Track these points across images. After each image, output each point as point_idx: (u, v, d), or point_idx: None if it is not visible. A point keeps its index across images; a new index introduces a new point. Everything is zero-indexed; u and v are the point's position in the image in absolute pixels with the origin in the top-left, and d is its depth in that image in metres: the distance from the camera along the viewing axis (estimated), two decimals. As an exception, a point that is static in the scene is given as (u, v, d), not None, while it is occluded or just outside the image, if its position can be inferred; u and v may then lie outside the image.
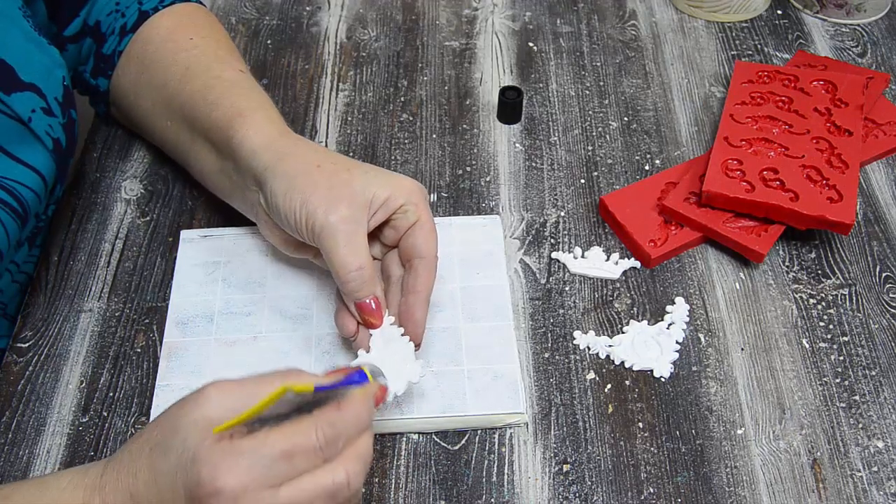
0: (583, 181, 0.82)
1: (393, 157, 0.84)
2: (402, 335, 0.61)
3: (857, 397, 0.67)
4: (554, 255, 0.76)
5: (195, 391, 0.50)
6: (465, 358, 0.67)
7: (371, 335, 0.61)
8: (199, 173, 0.74)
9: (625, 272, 0.74)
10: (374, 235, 0.65)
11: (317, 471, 0.48)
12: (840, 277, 0.74)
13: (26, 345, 0.69)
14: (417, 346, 0.62)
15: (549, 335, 0.70)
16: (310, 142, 0.67)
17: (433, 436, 0.65)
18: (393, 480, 0.62)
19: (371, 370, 0.55)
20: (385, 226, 0.64)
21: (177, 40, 0.75)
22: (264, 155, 0.63)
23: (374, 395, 0.53)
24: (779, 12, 0.99)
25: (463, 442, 0.64)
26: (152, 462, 0.49)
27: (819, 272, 0.75)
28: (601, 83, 0.91)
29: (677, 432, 0.65)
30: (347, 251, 0.60)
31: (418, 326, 0.62)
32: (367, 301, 0.61)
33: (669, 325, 0.71)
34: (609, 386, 0.67)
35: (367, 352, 0.60)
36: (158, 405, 0.64)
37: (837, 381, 0.68)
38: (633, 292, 0.73)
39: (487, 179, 0.82)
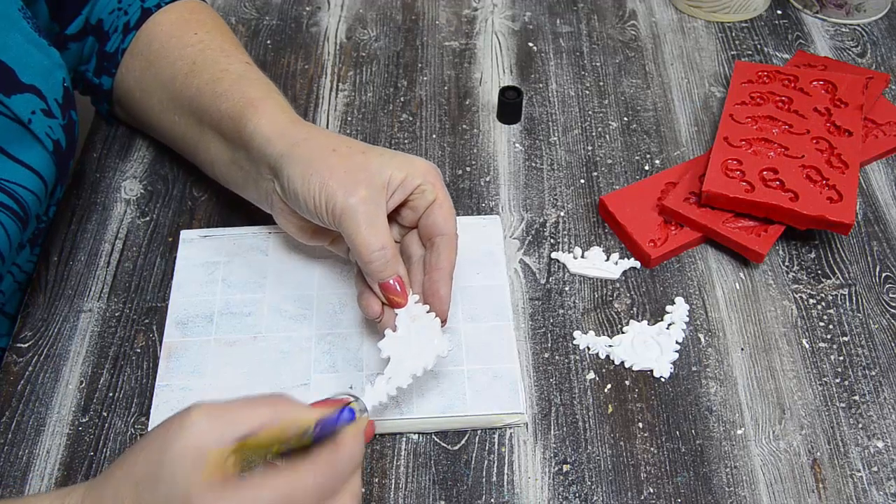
0: (583, 181, 0.82)
1: (393, 157, 0.84)
2: (428, 312, 0.62)
3: (856, 397, 0.67)
4: (554, 255, 0.76)
5: (180, 412, 0.47)
6: (465, 358, 0.67)
7: (396, 315, 0.62)
8: (210, 166, 0.74)
9: (625, 272, 0.74)
10: (392, 218, 0.65)
11: None
12: (840, 277, 0.74)
13: (26, 345, 0.69)
14: (444, 322, 0.62)
15: (549, 335, 0.70)
16: (321, 128, 0.67)
17: (433, 436, 0.65)
18: (393, 480, 0.62)
19: (356, 404, 0.54)
20: (403, 207, 0.64)
21: (181, 36, 0.75)
22: (279, 142, 0.64)
23: (364, 431, 0.52)
24: (779, 12, 0.99)
25: (463, 442, 0.64)
26: (138, 496, 0.47)
27: (819, 272, 0.75)
28: (601, 83, 0.91)
29: (677, 432, 0.65)
30: (369, 232, 0.60)
31: (444, 303, 0.62)
32: (391, 281, 0.61)
33: (669, 325, 0.71)
34: (609, 386, 0.67)
35: (394, 331, 0.61)
36: (158, 405, 0.64)
37: (837, 381, 0.68)
38: (632, 292, 0.73)
39: (487, 179, 0.82)
